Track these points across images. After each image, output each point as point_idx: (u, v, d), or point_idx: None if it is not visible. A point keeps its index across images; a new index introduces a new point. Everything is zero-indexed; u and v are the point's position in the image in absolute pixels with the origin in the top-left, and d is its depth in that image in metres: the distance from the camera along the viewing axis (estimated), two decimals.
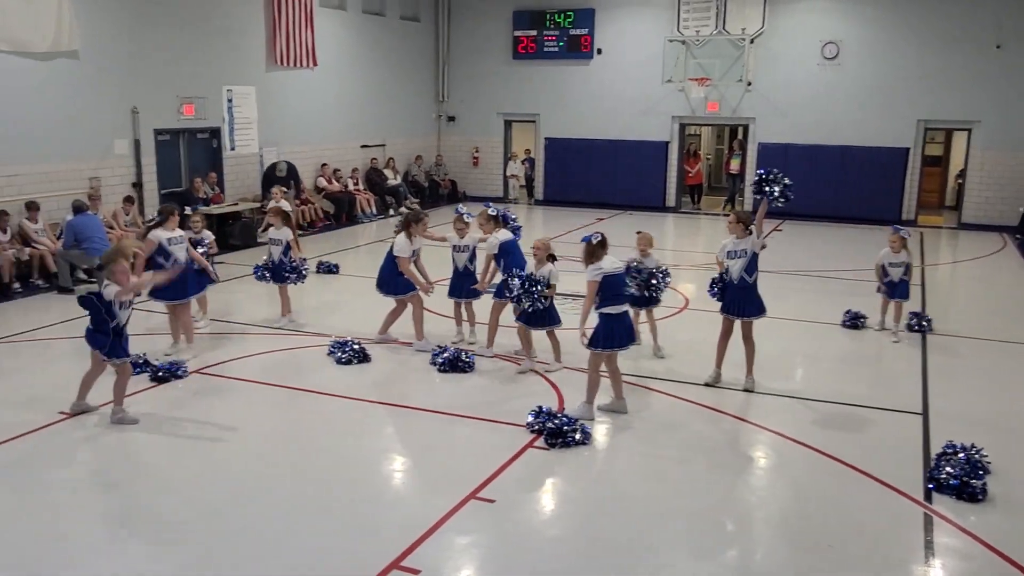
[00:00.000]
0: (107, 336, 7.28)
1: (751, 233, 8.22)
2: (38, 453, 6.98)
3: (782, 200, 8.25)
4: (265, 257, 10.69)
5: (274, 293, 11.06)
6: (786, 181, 8.27)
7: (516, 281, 8.52)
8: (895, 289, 10.45)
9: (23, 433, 7.22)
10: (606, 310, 7.51)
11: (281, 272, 10.48)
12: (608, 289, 7.50)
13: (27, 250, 12.68)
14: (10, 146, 12.93)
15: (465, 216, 9.74)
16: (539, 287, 8.43)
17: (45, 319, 10.78)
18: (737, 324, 8.47)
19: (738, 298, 8.36)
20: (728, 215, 10.04)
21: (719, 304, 8.62)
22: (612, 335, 7.54)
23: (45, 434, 7.26)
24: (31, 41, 13.03)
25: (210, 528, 5.75)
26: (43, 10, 13.13)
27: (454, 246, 9.72)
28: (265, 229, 11.18)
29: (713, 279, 8.68)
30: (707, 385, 8.59)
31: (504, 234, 9.35)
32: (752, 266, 8.29)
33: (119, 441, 7.16)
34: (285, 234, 10.50)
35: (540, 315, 8.67)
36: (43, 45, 13.20)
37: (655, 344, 9.42)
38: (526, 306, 8.50)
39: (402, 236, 9.47)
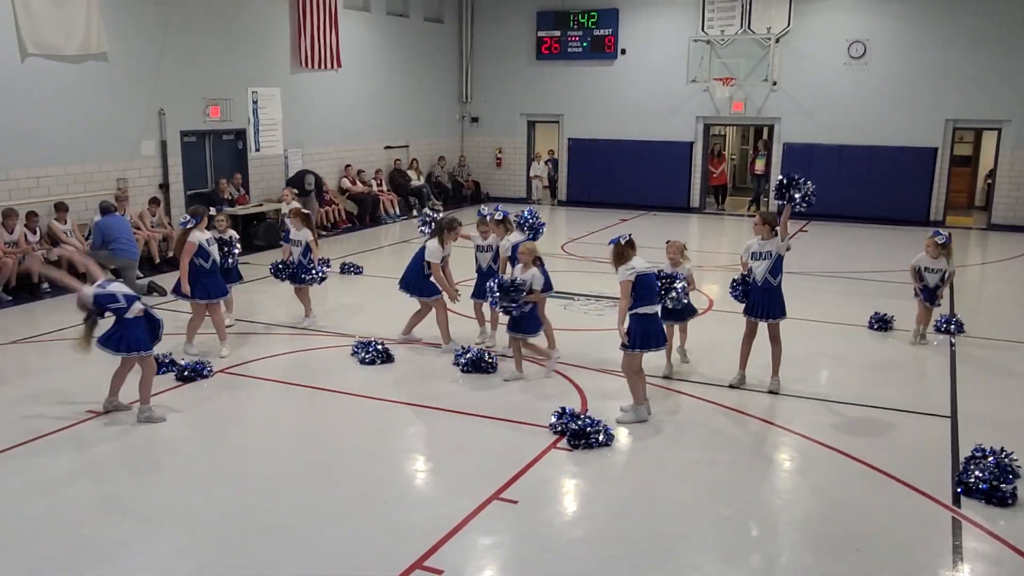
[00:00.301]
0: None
1: (776, 235, 8.17)
2: (67, 451, 7.06)
3: (804, 205, 8.19)
4: (282, 255, 10.77)
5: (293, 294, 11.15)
6: (808, 185, 8.18)
7: (494, 284, 8.48)
8: (931, 295, 10.19)
9: (53, 431, 7.31)
10: (640, 310, 7.46)
11: (299, 273, 10.55)
12: (641, 289, 7.45)
13: (55, 251, 12.81)
14: (39, 148, 13.09)
15: (487, 217, 9.75)
16: (519, 291, 8.36)
17: (73, 319, 10.83)
18: (763, 326, 8.41)
19: (762, 300, 8.30)
20: (754, 216, 9.94)
21: (742, 305, 8.57)
22: (648, 335, 7.51)
23: (74, 432, 7.35)
24: (61, 44, 13.19)
25: (236, 526, 5.79)
26: (73, 14, 13.29)
27: (477, 246, 9.74)
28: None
29: (735, 280, 8.60)
30: (731, 387, 8.55)
31: (517, 236, 9.35)
32: (777, 268, 8.23)
33: (146, 440, 7.22)
34: (304, 235, 10.54)
35: (522, 320, 8.59)
36: (72, 48, 13.36)
37: (681, 347, 9.32)
38: (503, 310, 8.44)
39: (434, 242, 9.48)
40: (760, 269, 8.24)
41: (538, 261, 8.70)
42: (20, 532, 5.68)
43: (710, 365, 9.26)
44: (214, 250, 9.60)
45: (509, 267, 9.28)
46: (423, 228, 9.89)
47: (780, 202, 8.31)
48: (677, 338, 9.17)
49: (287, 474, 6.61)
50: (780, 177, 8.35)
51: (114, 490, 6.38)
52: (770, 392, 8.41)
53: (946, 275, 10.18)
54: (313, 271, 10.46)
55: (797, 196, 8.12)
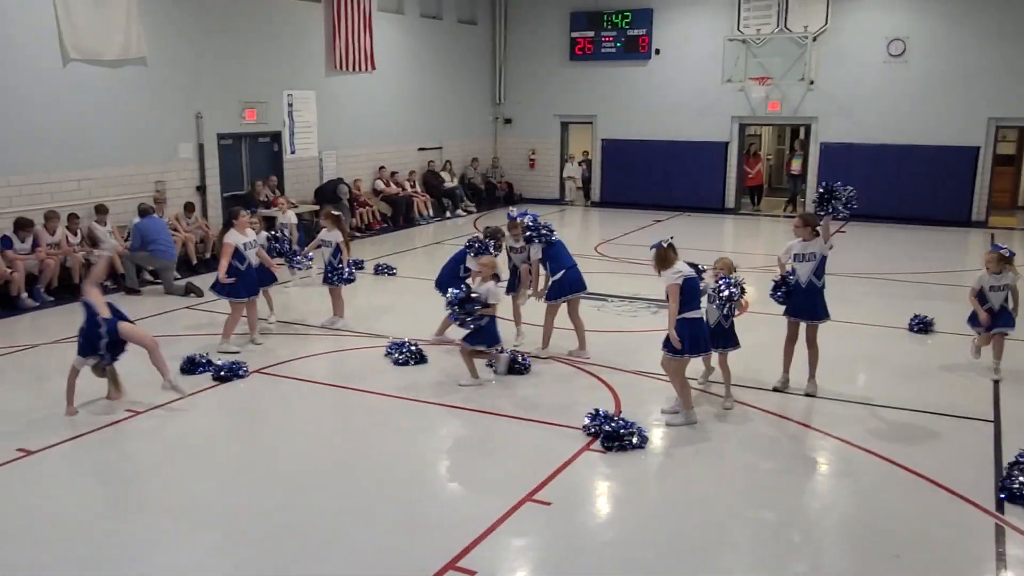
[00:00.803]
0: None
1: (818, 235, 8.05)
2: (105, 448, 7.16)
3: (845, 213, 8.12)
4: (306, 248, 10.88)
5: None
6: (848, 190, 8.08)
7: (451, 295, 8.34)
8: (996, 318, 8.91)
9: (92, 429, 7.41)
10: (687, 315, 7.40)
11: (327, 274, 10.67)
12: (687, 293, 7.40)
13: (96, 252, 13.01)
14: (80, 151, 13.29)
15: (517, 219, 9.76)
16: (474, 304, 8.25)
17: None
18: (802, 328, 8.32)
19: (806, 302, 8.18)
20: (792, 216, 9.83)
21: (780, 307, 8.47)
22: (696, 340, 7.46)
23: (112, 430, 7.45)
24: (101, 49, 13.39)
25: (271, 524, 5.83)
26: (113, 20, 13.49)
27: (510, 247, 9.75)
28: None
29: (776, 282, 8.43)
30: (775, 390, 8.44)
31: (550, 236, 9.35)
32: (821, 269, 8.12)
33: (182, 438, 7.31)
34: (335, 236, 10.63)
35: (479, 332, 8.45)
36: (112, 53, 13.56)
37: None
38: (459, 322, 8.33)
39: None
40: (805, 271, 8.13)
41: (496, 277, 8.56)
42: (59, 528, 5.77)
43: (744, 367, 9.18)
44: (251, 254, 9.83)
45: (542, 268, 9.28)
46: (471, 251, 9.64)
47: (821, 213, 8.15)
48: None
49: (321, 473, 6.65)
50: (819, 189, 8.22)
51: (151, 487, 6.45)
52: (807, 395, 8.32)
53: (1013, 292, 9.03)
54: (341, 272, 10.57)
55: (840, 206, 8.05)
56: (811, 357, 8.36)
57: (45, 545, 5.55)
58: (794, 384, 8.50)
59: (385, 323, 10.84)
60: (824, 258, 8.12)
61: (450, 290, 8.47)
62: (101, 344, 7.63)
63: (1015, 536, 5.72)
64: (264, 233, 10.77)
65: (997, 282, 8.95)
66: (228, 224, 9.94)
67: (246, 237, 9.80)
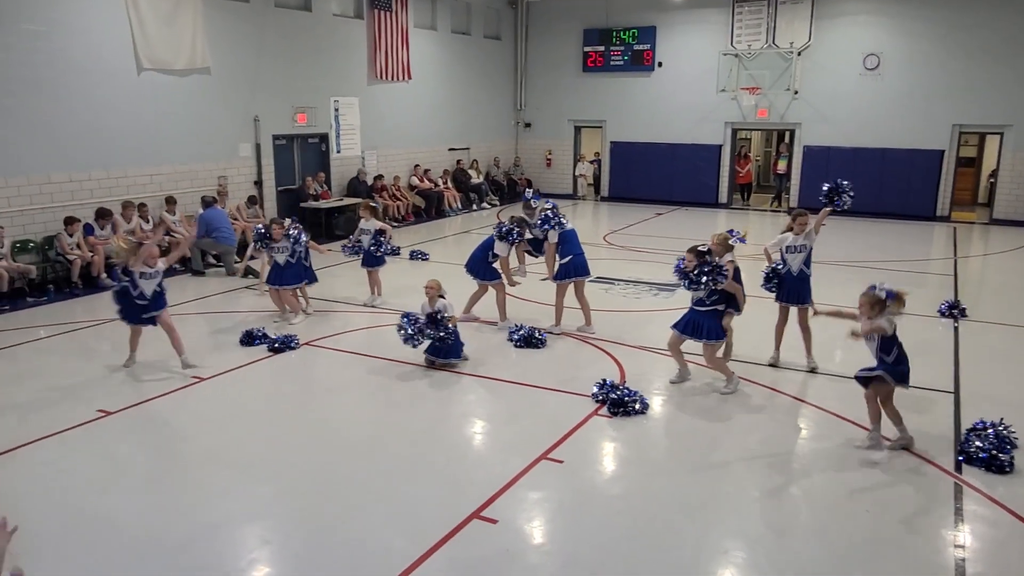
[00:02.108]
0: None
1: (806, 228, 8.02)
2: (174, 411, 7.22)
3: (846, 207, 8.09)
4: (352, 237, 10.88)
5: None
6: (851, 192, 8.05)
7: (421, 320, 8.07)
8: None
9: (164, 393, 7.49)
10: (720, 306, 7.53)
11: (366, 257, 10.75)
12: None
13: (167, 238, 13.10)
14: (152, 149, 13.36)
15: (532, 201, 9.73)
16: (444, 319, 8.07)
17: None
18: (793, 312, 8.24)
19: (796, 288, 8.14)
20: (779, 211, 9.71)
21: (772, 294, 8.35)
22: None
23: (180, 395, 7.52)
24: (171, 60, 13.42)
25: (319, 479, 5.87)
26: (181, 33, 13.51)
27: (530, 225, 9.71)
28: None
29: (767, 274, 8.28)
30: (770, 365, 8.37)
31: (551, 235, 9.31)
32: (809, 259, 8.11)
33: (240, 401, 7.36)
34: (373, 224, 10.68)
35: (447, 347, 8.23)
36: (181, 63, 13.59)
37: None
38: (436, 338, 8.08)
39: (503, 243, 9.48)
40: (796, 261, 8.09)
41: (441, 296, 8.31)
42: (132, 479, 5.84)
43: (737, 343, 9.13)
44: (278, 257, 9.96)
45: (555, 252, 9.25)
46: (501, 234, 9.52)
47: (828, 206, 8.09)
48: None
49: (363, 435, 6.68)
50: (830, 183, 8.13)
51: (212, 444, 6.50)
52: (810, 371, 8.21)
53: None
54: (380, 257, 10.79)
55: (846, 199, 8.00)
56: (805, 337, 8.29)
57: (120, 494, 5.62)
58: (785, 361, 8.45)
59: (420, 302, 10.81)
60: (811, 249, 8.10)
61: (405, 326, 8.08)
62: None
63: (971, 494, 5.68)
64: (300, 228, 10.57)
65: (794, 242, 8.17)
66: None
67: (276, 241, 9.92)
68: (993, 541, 5.12)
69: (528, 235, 9.67)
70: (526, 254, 10.08)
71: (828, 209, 8.06)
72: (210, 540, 4.97)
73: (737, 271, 7.80)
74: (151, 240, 8.38)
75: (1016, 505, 5.48)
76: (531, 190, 10.84)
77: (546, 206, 9.44)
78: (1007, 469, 5.96)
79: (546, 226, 9.23)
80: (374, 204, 11.35)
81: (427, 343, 8.21)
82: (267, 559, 4.80)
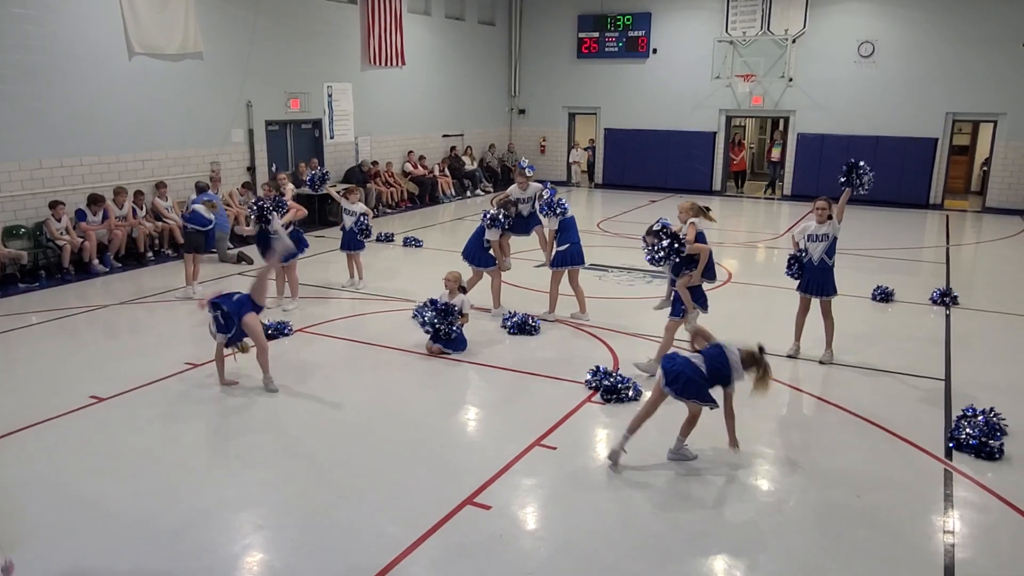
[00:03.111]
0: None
1: (831, 219, 7.86)
2: (169, 397, 7.21)
3: (865, 190, 7.87)
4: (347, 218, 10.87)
5: (368, 263, 11.25)
6: (871, 173, 7.84)
7: (429, 314, 8.11)
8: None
9: (158, 379, 7.47)
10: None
11: (350, 241, 10.78)
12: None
13: (159, 224, 13.05)
14: (144, 135, 13.29)
15: (527, 170, 9.72)
16: (453, 314, 8.12)
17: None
18: (815, 303, 8.14)
19: (817, 279, 8.00)
20: (771, 198, 9.67)
21: (773, 280, 8.31)
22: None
23: (175, 380, 7.51)
24: (163, 44, 13.33)
25: (312, 465, 5.87)
26: (173, 18, 13.41)
27: (517, 199, 9.70)
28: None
29: (791, 259, 8.20)
30: (789, 357, 8.27)
31: (547, 221, 9.30)
32: (832, 249, 7.93)
33: (233, 390, 7.34)
34: (359, 207, 10.72)
35: (458, 340, 8.28)
36: (173, 48, 13.50)
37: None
38: (443, 332, 8.13)
39: (491, 230, 9.49)
40: (818, 250, 7.93)
41: (463, 289, 8.39)
42: (125, 465, 5.83)
43: (729, 330, 9.15)
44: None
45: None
46: (488, 221, 9.55)
47: (846, 186, 7.90)
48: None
49: (357, 420, 6.68)
50: (848, 162, 7.92)
51: (208, 432, 6.51)
52: (821, 362, 8.12)
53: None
54: (360, 242, 10.81)
55: (865, 179, 7.80)
56: (827, 329, 8.15)
57: (112, 480, 5.61)
58: (774, 349, 8.45)
59: (413, 288, 10.84)
60: (835, 239, 7.91)
61: (420, 313, 8.21)
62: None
63: (961, 480, 5.72)
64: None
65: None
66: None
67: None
68: (982, 527, 5.16)
69: (523, 205, 9.65)
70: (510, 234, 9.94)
71: (848, 192, 7.85)
72: (203, 526, 4.98)
73: (700, 235, 7.65)
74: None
75: (1005, 491, 5.53)
76: (526, 160, 10.83)
77: (544, 192, 9.44)
78: (996, 456, 6.00)
79: (548, 211, 9.21)
80: (359, 188, 11.36)
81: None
82: (261, 544, 4.81)
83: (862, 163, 7.91)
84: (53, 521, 5.01)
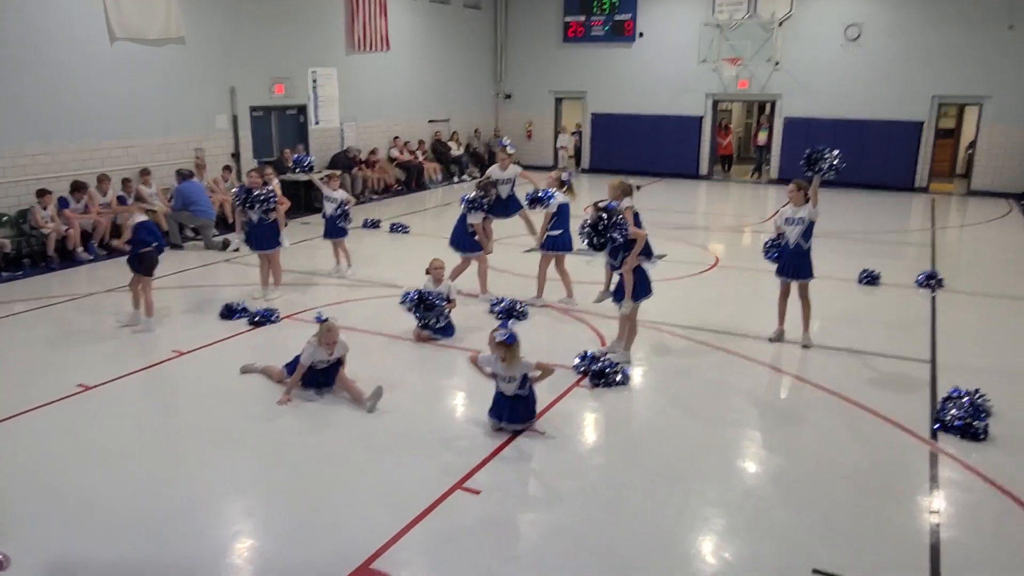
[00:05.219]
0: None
1: (807, 202, 7.86)
2: (156, 383, 7.20)
3: (832, 172, 7.79)
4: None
5: (354, 249, 11.21)
6: (833, 154, 7.75)
7: (414, 298, 8.17)
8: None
9: (144, 367, 7.45)
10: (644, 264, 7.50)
11: (332, 228, 10.75)
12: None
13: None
14: (127, 121, 13.17)
15: (508, 148, 9.71)
16: (441, 302, 8.18)
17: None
18: (794, 286, 8.19)
19: (793, 262, 8.03)
20: (757, 182, 9.69)
21: (759, 264, 8.32)
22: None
23: (162, 368, 7.48)
24: (144, 29, 13.20)
25: (301, 452, 5.88)
26: (154, 3, 13.28)
27: (496, 180, 9.68)
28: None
29: (767, 243, 8.25)
30: (771, 340, 8.32)
31: (562, 197, 9.28)
32: (808, 233, 7.94)
33: (222, 375, 7.32)
34: (340, 194, 10.69)
35: (442, 327, 8.32)
36: (154, 33, 13.36)
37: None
38: (432, 321, 8.19)
39: (472, 214, 9.48)
40: (794, 234, 7.95)
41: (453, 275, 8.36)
42: (112, 452, 5.81)
43: (716, 314, 9.21)
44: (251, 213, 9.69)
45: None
46: (466, 205, 9.57)
47: (808, 174, 7.89)
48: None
49: (345, 408, 6.68)
50: (807, 152, 7.88)
51: (196, 419, 6.49)
52: (803, 347, 8.16)
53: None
54: (343, 228, 10.79)
55: (825, 166, 7.75)
56: (804, 312, 8.19)
57: (101, 468, 5.60)
58: (753, 331, 8.53)
59: (400, 275, 10.82)
60: (812, 223, 7.91)
61: (409, 300, 8.25)
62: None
63: (947, 461, 5.79)
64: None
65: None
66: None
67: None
68: (966, 506, 5.23)
69: (503, 186, 9.66)
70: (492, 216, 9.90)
71: (818, 179, 7.84)
72: (192, 513, 4.98)
73: (636, 216, 7.67)
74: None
75: (990, 471, 5.60)
76: (507, 138, 10.81)
77: (564, 174, 9.50)
78: (981, 436, 6.07)
79: (548, 194, 9.20)
80: (337, 173, 11.33)
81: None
82: (250, 531, 4.81)
83: (823, 148, 7.81)
84: (40, 510, 5.00)
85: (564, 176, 9.36)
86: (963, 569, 4.49)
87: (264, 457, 5.79)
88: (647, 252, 7.54)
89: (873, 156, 19.86)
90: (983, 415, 6.24)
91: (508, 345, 5.95)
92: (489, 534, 4.80)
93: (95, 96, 12.59)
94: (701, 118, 21.87)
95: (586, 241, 7.38)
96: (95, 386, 6.98)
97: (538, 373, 6.17)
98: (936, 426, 6.27)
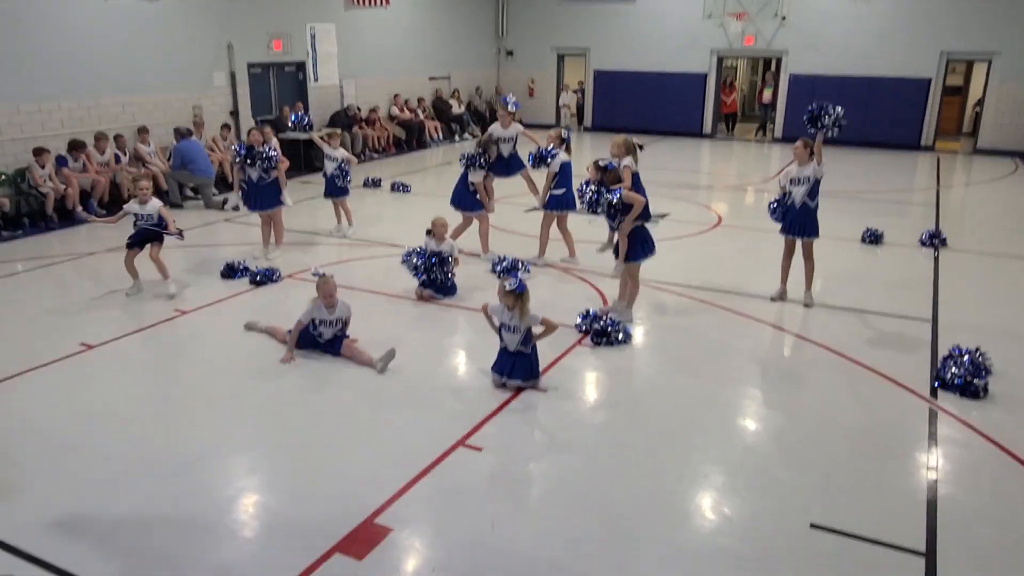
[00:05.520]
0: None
1: (813, 159, 7.82)
2: (159, 342, 7.25)
3: (836, 130, 7.72)
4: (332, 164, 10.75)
5: (355, 208, 11.20)
6: (838, 111, 7.68)
7: (415, 260, 8.19)
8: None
9: (147, 326, 7.50)
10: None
11: (332, 188, 10.70)
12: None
13: (142, 170, 12.91)
14: (124, 78, 13.07)
15: (510, 106, 9.65)
16: (447, 261, 8.19)
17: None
18: (798, 244, 8.18)
19: (799, 220, 8.01)
20: (761, 140, 9.63)
21: (776, 226, 8.30)
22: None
23: (165, 326, 7.53)
24: None
25: (307, 408, 5.94)
26: None
27: (499, 138, 9.64)
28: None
29: (772, 202, 8.22)
30: (773, 300, 8.35)
31: (564, 156, 9.24)
32: (814, 191, 7.90)
33: (222, 335, 7.37)
34: (340, 153, 10.63)
35: (445, 286, 8.36)
36: None
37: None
38: (435, 277, 8.21)
39: (473, 171, 9.44)
40: (799, 192, 7.91)
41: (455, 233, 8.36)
42: (113, 412, 5.87)
43: (718, 273, 9.23)
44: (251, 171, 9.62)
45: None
46: (465, 163, 9.54)
47: (812, 131, 7.80)
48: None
49: (349, 367, 6.73)
50: (809, 108, 7.80)
51: (200, 377, 6.54)
52: (805, 306, 8.20)
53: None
54: (344, 188, 10.76)
55: (828, 123, 7.67)
56: (807, 271, 8.20)
57: (106, 425, 5.66)
58: (759, 291, 8.55)
59: (401, 234, 10.83)
60: (818, 180, 7.87)
61: (411, 258, 8.26)
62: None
63: (945, 418, 5.85)
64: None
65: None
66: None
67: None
68: (964, 463, 5.29)
69: (504, 144, 9.62)
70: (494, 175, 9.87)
71: (821, 136, 7.75)
72: (198, 469, 5.05)
73: (636, 177, 7.63)
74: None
75: (988, 429, 5.66)
76: (511, 95, 10.72)
77: (564, 131, 9.46)
78: (981, 395, 6.12)
79: (551, 152, 9.17)
80: (337, 131, 11.26)
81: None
82: (256, 487, 4.89)
83: (827, 104, 7.76)
84: (48, 466, 5.07)
85: (564, 134, 9.33)
86: (960, 525, 4.57)
87: (268, 414, 5.85)
88: (645, 215, 7.55)
89: (879, 114, 19.72)
90: (983, 373, 6.29)
91: (519, 295, 6.00)
92: (491, 490, 4.88)
93: (91, 53, 12.47)
94: (705, 75, 21.66)
95: (587, 207, 7.40)
96: (98, 345, 7.02)
97: (542, 329, 6.22)
98: (936, 384, 6.32)
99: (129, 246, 8.35)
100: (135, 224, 8.33)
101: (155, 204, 8.35)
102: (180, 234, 8.48)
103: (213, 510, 4.61)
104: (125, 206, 8.51)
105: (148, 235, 8.32)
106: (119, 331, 7.35)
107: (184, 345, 7.27)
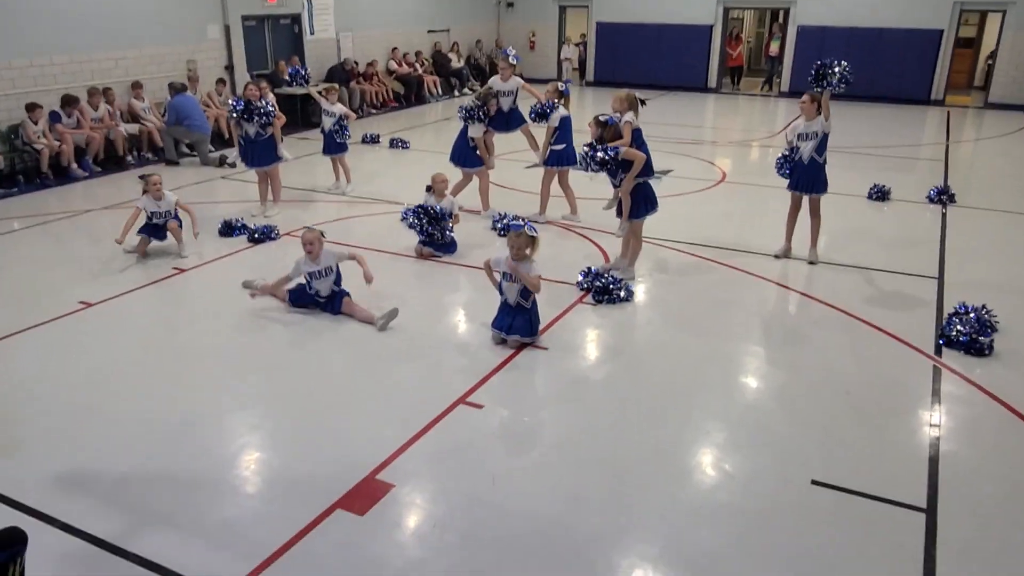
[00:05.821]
0: None
1: (820, 115, 7.76)
2: (154, 301, 7.27)
3: (842, 85, 7.60)
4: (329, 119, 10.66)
5: (354, 165, 11.14)
6: (843, 66, 7.55)
7: (411, 218, 8.21)
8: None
9: (145, 284, 7.52)
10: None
11: (331, 144, 10.66)
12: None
13: (137, 126, 12.83)
14: (116, 32, 12.92)
15: (511, 58, 9.58)
16: (446, 218, 8.18)
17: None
18: (805, 200, 8.16)
19: (807, 176, 7.97)
20: (767, 95, 9.54)
21: (782, 183, 8.28)
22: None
23: (161, 285, 7.55)
24: None
25: (305, 368, 5.97)
26: None
27: (498, 92, 9.56)
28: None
29: (780, 158, 8.18)
30: (776, 257, 8.36)
31: (563, 110, 9.17)
32: (822, 147, 7.86)
33: (221, 293, 7.38)
34: (338, 109, 10.54)
35: (445, 243, 8.37)
36: None
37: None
38: (436, 236, 8.24)
39: (473, 125, 9.38)
40: (807, 148, 7.87)
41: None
42: (114, 370, 5.92)
43: (722, 230, 9.22)
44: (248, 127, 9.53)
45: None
46: (464, 116, 9.50)
47: (818, 89, 7.68)
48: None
49: (351, 324, 6.76)
50: (814, 66, 7.68)
51: (200, 336, 6.57)
52: (809, 263, 8.20)
53: None
54: (342, 144, 10.71)
55: (834, 79, 7.55)
56: (813, 227, 8.18)
57: (108, 383, 5.71)
58: (764, 248, 8.54)
59: (400, 191, 10.80)
60: (826, 135, 7.83)
61: (411, 215, 8.28)
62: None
63: (949, 376, 5.88)
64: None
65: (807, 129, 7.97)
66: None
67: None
68: (967, 419, 5.33)
69: (504, 98, 9.54)
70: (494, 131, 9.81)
71: (828, 91, 7.66)
72: (200, 427, 5.09)
73: (638, 132, 7.61)
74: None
75: (992, 386, 5.69)
76: (512, 48, 10.61)
77: (562, 85, 9.37)
78: (986, 352, 6.15)
79: (551, 105, 9.09)
80: (336, 86, 11.15)
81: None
82: (258, 444, 4.94)
83: (831, 60, 7.64)
84: (50, 425, 5.12)
85: (562, 87, 9.23)
86: (961, 481, 4.61)
87: (269, 372, 5.89)
88: (647, 171, 7.50)
89: (889, 67, 19.49)
90: (988, 330, 6.31)
91: (531, 237, 6.15)
92: (492, 446, 4.93)
93: (83, 5, 12.31)
94: (711, 27, 21.37)
95: (587, 165, 7.39)
96: (97, 303, 7.05)
97: (536, 277, 6.21)
98: (940, 341, 6.35)
99: (143, 232, 8.26)
100: (149, 221, 8.25)
101: (170, 199, 8.27)
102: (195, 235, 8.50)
103: (215, 467, 4.67)
104: (137, 203, 8.29)
105: (163, 229, 8.28)
106: (118, 289, 7.37)
107: (183, 303, 7.30)
